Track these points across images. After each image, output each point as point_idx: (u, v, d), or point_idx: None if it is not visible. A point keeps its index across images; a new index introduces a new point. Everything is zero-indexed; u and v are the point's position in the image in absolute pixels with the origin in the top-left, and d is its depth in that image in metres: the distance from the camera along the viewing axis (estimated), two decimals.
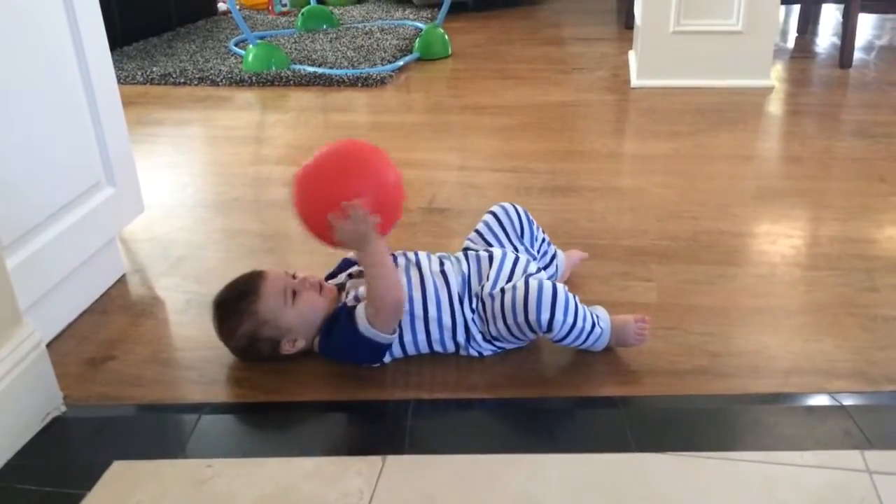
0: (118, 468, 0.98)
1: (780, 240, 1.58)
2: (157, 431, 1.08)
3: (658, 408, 1.10)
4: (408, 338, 1.18)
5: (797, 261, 1.50)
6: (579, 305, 1.14)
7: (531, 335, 1.17)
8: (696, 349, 1.22)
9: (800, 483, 0.93)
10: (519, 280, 1.17)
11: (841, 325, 1.28)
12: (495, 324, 1.17)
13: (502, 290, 1.16)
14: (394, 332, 1.15)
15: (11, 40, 1.16)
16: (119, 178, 1.42)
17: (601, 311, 1.20)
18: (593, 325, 1.16)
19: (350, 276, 1.27)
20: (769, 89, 2.60)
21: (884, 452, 0.96)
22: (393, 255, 1.26)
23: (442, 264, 1.22)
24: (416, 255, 1.25)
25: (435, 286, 1.18)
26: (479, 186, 1.90)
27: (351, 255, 1.31)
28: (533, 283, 1.12)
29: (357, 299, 1.18)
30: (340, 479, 0.95)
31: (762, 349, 1.22)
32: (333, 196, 1.08)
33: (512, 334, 1.17)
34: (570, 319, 1.12)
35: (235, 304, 1.18)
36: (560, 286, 1.13)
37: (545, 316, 1.10)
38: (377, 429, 1.08)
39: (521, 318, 1.12)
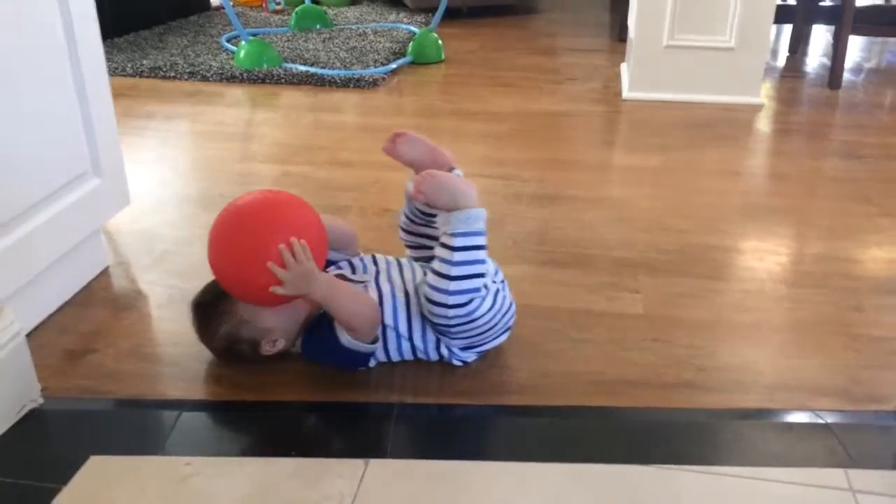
0: (95, 463, 0.96)
1: (766, 256, 1.59)
2: (137, 427, 1.07)
3: (643, 420, 1.10)
4: (392, 346, 1.17)
5: (783, 278, 1.51)
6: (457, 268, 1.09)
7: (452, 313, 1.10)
8: (682, 362, 1.22)
9: (783, 500, 0.93)
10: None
11: (826, 343, 1.28)
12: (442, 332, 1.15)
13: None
14: (375, 341, 1.14)
15: (2, 26, 1.14)
16: (106, 170, 1.40)
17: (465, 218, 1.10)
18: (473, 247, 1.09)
19: None
20: (759, 107, 2.61)
21: (867, 472, 0.96)
22: (373, 256, 1.25)
23: (425, 275, 1.20)
24: (399, 263, 1.24)
25: (419, 302, 1.16)
26: None
27: (336, 255, 1.30)
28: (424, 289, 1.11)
29: None
30: (321, 480, 0.94)
31: (748, 364, 1.22)
32: (262, 249, 1.05)
33: (460, 329, 1.13)
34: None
35: (214, 305, 1.16)
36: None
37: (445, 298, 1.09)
38: (360, 431, 1.07)
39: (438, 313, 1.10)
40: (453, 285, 1.08)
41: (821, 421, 1.08)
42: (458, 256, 1.08)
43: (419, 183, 1.10)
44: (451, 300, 1.08)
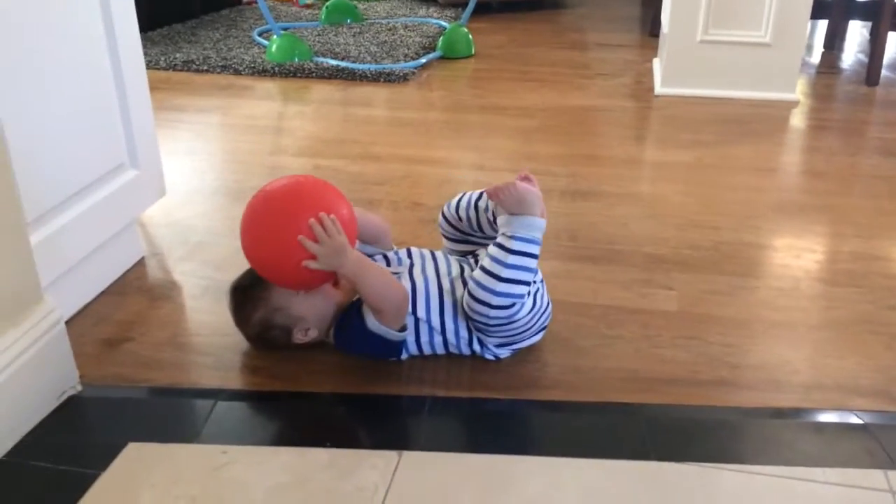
0: (133, 450, 0.97)
1: (802, 254, 1.57)
2: (173, 415, 1.08)
3: (678, 417, 1.09)
4: (424, 339, 1.17)
5: (819, 276, 1.49)
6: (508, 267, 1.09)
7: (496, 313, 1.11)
8: (716, 360, 1.21)
9: (820, 500, 0.91)
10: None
11: (863, 342, 1.26)
12: (483, 330, 1.15)
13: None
14: (403, 330, 1.14)
15: (44, 18, 1.16)
16: (142, 161, 1.42)
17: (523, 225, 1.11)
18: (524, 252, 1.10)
19: None
20: (794, 103, 2.58)
21: None
22: (408, 249, 1.25)
23: (462, 270, 1.20)
24: (434, 257, 1.24)
25: (453, 296, 1.17)
26: None
27: (369, 248, 1.31)
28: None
29: None
30: (355, 472, 0.94)
31: (783, 363, 1.21)
32: (293, 224, 1.06)
33: (498, 329, 1.13)
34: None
35: (249, 290, 1.18)
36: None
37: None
38: (393, 423, 1.08)
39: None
40: (501, 286, 1.08)
41: (859, 421, 1.06)
42: (512, 259, 1.08)
43: (500, 190, 1.11)
44: (496, 301, 1.09)
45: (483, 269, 1.09)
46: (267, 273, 1.12)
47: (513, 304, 1.09)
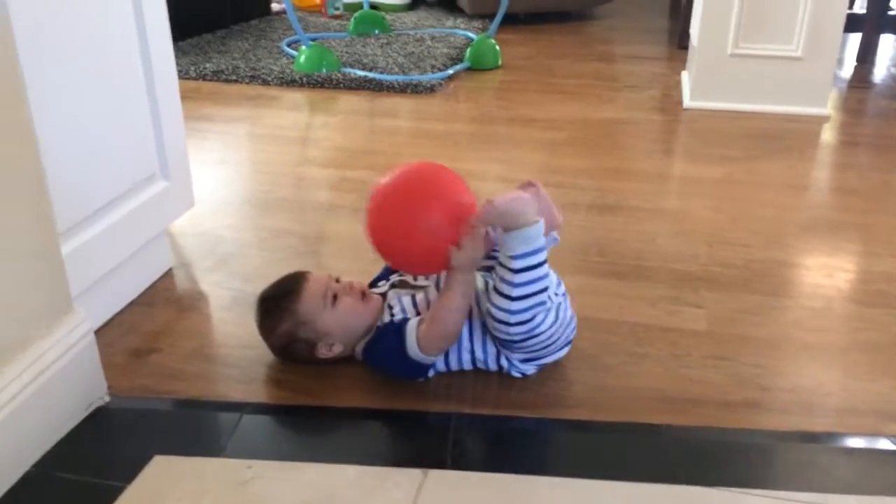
0: (159, 463, 0.98)
1: (835, 273, 1.54)
2: (199, 428, 1.08)
3: (707, 440, 1.07)
4: (453, 356, 1.17)
5: (852, 296, 1.46)
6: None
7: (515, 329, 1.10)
8: (747, 381, 1.19)
9: None
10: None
11: None
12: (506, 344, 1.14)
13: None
14: (439, 355, 1.14)
15: (79, 27, 1.17)
16: (173, 172, 1.43)
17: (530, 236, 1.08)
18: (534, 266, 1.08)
19: (393, 285, 1.26)
20: (826, 118, 2.54)
21: None
22: None
23: (487, 284, 1.20)
24: None
25: (480, 310, 1.16)
26: None
27: None
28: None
29: (404, 312, 1.17)
30: (381, 489, 0.94)
31: (816, 386, 1.19)
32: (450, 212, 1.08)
33: (522, 344, 1.12)
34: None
35: (276, 301, 1.18)
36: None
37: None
38: (418, 441, 1.07)
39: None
40: (515, 305, 1.07)
41: (894, 448, 1.03)
42: (518, 278, 1.06)
43: (478, 217, 1.08)
44: (514, 319, 1.08)
45: (496, 291, 1.09)
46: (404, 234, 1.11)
47: (532, 318, 1.08)
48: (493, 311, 1.09)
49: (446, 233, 1.07)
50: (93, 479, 0.96)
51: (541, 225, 1.08)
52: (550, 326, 1.11)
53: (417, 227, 1.08)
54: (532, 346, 1.12)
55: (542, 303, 1.09)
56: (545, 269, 1.09)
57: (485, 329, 1.15)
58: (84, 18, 1.18)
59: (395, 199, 1.11)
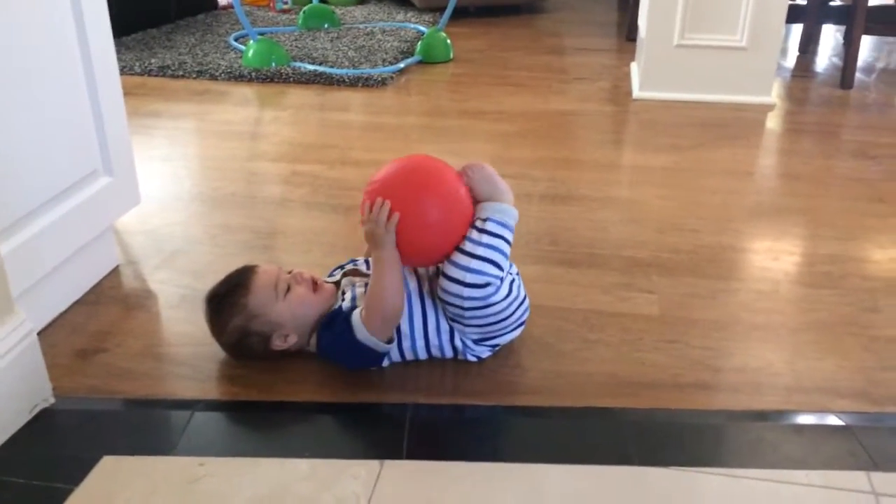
0: (108, 464, 0.95)
1: (781, 256, 1.58)
2: (148, 427, 1.06)
3: (659, 421, 1.08)
4: (406, 344, 1.16)
5: (798, 278, 1.49)
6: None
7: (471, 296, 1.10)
8: (697, 363, 1.21)
9: (804, 503, 0.91)
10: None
11: (843, 344, 1.27)
12: (458, 318, 1.14)
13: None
14: (391, 341, 1.13)
15: (15, 20, 1.13)
16: (116, 168, 1.39)
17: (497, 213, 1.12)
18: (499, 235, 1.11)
19: (346, 273, 1.25)
20: (770, 106, 2.60)
21: (890, 475, 0.94)
22: None
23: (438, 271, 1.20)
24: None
25: (431, 288, 1.16)
26: None
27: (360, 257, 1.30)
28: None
29: (354, 300, 1.16)
30: (336, 482, 0.93)
31: (764, 366, 1.21)
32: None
33: (474, 315, 1.12)
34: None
35: (225, 297, 1.16)
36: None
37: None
38: (374, 432, 1.06)
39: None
40: (475, 263, 1.08)
41: (840, 423, 1.06)
42: (486, 239, 1.09)
43: (469, 167, 1.14)
44: (469, 278, 1.08)
45: (458, 249, 1.10)
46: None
47: (487, 284, 1.09)
48: (450, 269, 1.09)
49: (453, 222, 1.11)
50: (39, 482, 0.93)
51: (517, 213, 1.14)
52: (504, 299, 1.12)
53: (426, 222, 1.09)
54: (484, 318, 1.12)
55: (498, 274, 1.10)
56: (508, 249, 1.12)
57: (437, 308, 1.15)
58: (19, 13, 1.14)
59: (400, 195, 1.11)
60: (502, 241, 1.11)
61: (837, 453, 0.99)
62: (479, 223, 1.11)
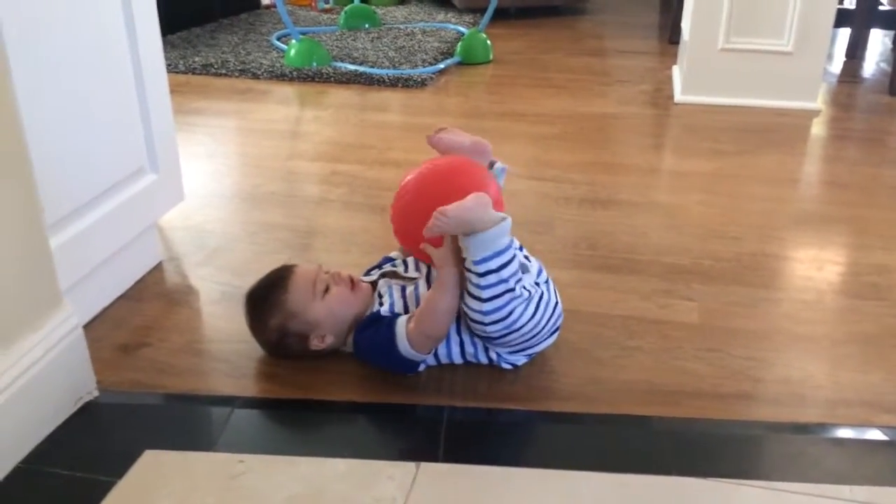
0: (150, 457, 0.97)
1: (825, 266, 1.55)
2: (190, 422, 1.07)
3: (699, 431, 1.07)
4: (442, 349, 1.16)
5: (843, 288, 1.47)
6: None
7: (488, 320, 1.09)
8: (738, 373, 1.19)
9: None
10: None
11: (888, 357, 1.24)
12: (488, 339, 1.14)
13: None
14: (430, 352, 1.14)
15: (65, 18, 1.16)
16: (162, 166, 1.42)
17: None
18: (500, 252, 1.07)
19: (384, 275, 1.25)
20: (815, 112, 2.55)
21: None
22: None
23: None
24: None
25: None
26: (516, 193, 1.87)
27: (394, 253, 1.31)
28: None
29: (393, 307, 1.16)
30: (373, 483, 0.93)
31: (807, 377, 1.19)
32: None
33: (503, 339, 1.12)
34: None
35: (264, 296, 1.17)
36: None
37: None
38: (410, 434, 1.07)
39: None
40: (486, 306, 1.07)
41: (885, 438, 1.04)
42: (484, 281, 1.06)
43: (430, 227, 1.06)
44: (488, 318, 1.08)
45: (467, 293, 1.09)
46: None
47: (509, 314, 1.08)
48: (468, 311, 1.09)
49: None
50: (83, 474, 0.95)
51: (502, 227, 1.07)
52: (530, 319, 1.10)
53: None
54: (514, 340, 1.12)
55: (517, 297, 1.08)
56: (512, 267, 1.07)
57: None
58: (72, 11, 1.17)
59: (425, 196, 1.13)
60: (501, 271, 1.06)
61: (882, 469, 0.97)
62: (469, 265, 1.07)
